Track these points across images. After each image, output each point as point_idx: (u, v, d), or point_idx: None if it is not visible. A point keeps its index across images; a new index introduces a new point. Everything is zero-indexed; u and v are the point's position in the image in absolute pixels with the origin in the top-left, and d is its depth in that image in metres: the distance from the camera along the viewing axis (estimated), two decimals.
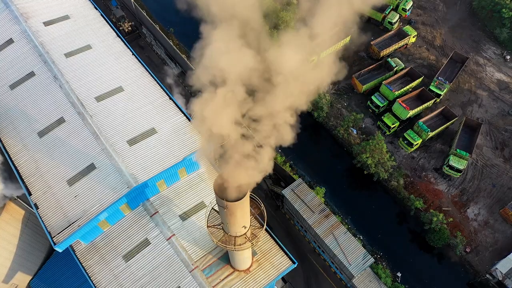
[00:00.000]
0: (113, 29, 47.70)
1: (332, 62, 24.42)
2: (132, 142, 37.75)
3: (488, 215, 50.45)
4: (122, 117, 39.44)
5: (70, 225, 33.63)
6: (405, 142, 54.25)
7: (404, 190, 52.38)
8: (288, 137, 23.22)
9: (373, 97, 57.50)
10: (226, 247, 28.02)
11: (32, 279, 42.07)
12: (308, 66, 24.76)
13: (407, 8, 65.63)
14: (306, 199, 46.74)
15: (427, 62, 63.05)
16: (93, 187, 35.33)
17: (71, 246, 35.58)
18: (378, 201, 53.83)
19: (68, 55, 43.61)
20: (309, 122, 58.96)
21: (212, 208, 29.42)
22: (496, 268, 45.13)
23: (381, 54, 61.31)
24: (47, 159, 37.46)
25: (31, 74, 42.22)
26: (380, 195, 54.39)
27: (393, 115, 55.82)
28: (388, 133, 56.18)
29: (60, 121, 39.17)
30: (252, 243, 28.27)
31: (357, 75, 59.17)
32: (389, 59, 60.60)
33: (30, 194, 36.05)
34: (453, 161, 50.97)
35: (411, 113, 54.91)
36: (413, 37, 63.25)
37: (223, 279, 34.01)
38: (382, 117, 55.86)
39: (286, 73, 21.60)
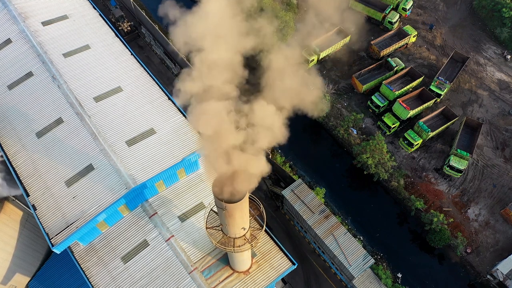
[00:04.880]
0: (112, 29, 47.46)
1: None
2: (131, 142, 37.53)
3: (489, 216, 50.22)
4: (120, 118, 39.22)
5: (68, 226, 33.43)
6: (405, 142, 54.04)
7: (405, 190, 52.16)
8: None
9: (373, 97, 57.27)
10: (225, 248, 27.82)
11: (30, 280, 41.84)
12: None
13: (407, 7, 65.37)
14: (306, 200, 46.50)
15: (427, 61, 62.83)
16: (91, 188, 35.13)
17: (69, 247, 35.38)
18: (378, 202, 53.61)
19: (66, 55, 43.39)
20: (309, 122, 58.74)
21: (211, 210, 29.19)
22: (497, 269, 44.91)
23: (381, 54, 61.07)
24: (45, 160, 37.25)
25: (30, 74, 42.00)
26: (380, 196, 54.19)
27: (393, 115, 55.59)
28: (388, 133, 55.96)
29: (59, 121, 38.95)
30: (251, 244, 28.05)
31: (357, 75, 58.94)
32: (389, 58, 60.36)
33: (28, 195, 35.82)
34: (454, 161, 50.75)
35: (412, 113, 54.69)
36: (413, 36, 63.02)
37: (222, 281, 33.82)
38: (382, 117, 55.63)
39: None
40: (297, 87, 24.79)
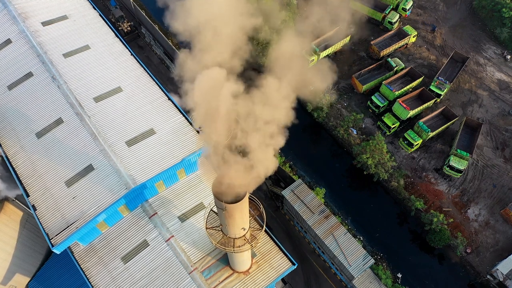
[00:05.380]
0: (112, 29, 47.43)
1: None
2: (130, 142, 37.50)
3: (489, 216, 50.22)
4: (120, 118, 39.19)
5: (68, 226, 33.40)
6: (405, 142, 54.03)
7: (405, 190, 52.15)
8: None
9: (373, 97, 57.27)
10: (225, 249, 27.81)
11: (30, 281, 41.83)
12: None
13: (407, 7, 65.36)
14: (306, 200, 46.51)
15: (427, 62, 62.82)
16: (91, 188, 35.09)
17: (69, 247, 35.37)
18: (378, 202, 53.61)
19: (66, 55, 43.35)
20: (309, 122, 58.75)
21: (211, 210, 29.20)
22: (497, 269, 44.92)
23: (381, 54, 61.07)
24: (45, 160, 37.21)
25: (29, 75, 41.97)
26: (380, 196, 54.18)
27: (393, 115, 55.59)
28: (388, 133, 55.96)
29: (58, 121, 38.93)
30: (251, 244, 28.05)
31: (357, 75, 58.94)
32: (389, 59, 60.36)
33: (28, 195, 35.80)
34: (454, 161, 50.74)
35: (412, 113, 54.69)
36: (413, 36, 63.01)
37: (222, 281, 33.81)
38: (382, 117, 55.63)
39: None
40: (300, 75, 24.55)
